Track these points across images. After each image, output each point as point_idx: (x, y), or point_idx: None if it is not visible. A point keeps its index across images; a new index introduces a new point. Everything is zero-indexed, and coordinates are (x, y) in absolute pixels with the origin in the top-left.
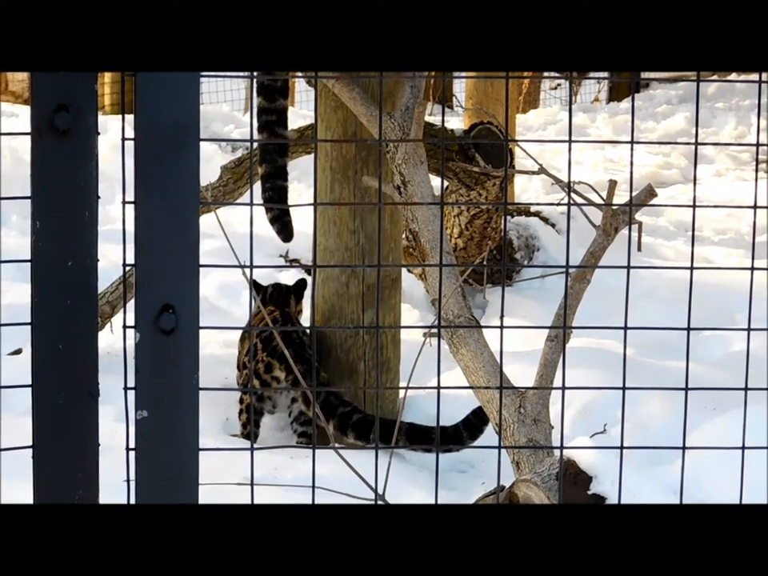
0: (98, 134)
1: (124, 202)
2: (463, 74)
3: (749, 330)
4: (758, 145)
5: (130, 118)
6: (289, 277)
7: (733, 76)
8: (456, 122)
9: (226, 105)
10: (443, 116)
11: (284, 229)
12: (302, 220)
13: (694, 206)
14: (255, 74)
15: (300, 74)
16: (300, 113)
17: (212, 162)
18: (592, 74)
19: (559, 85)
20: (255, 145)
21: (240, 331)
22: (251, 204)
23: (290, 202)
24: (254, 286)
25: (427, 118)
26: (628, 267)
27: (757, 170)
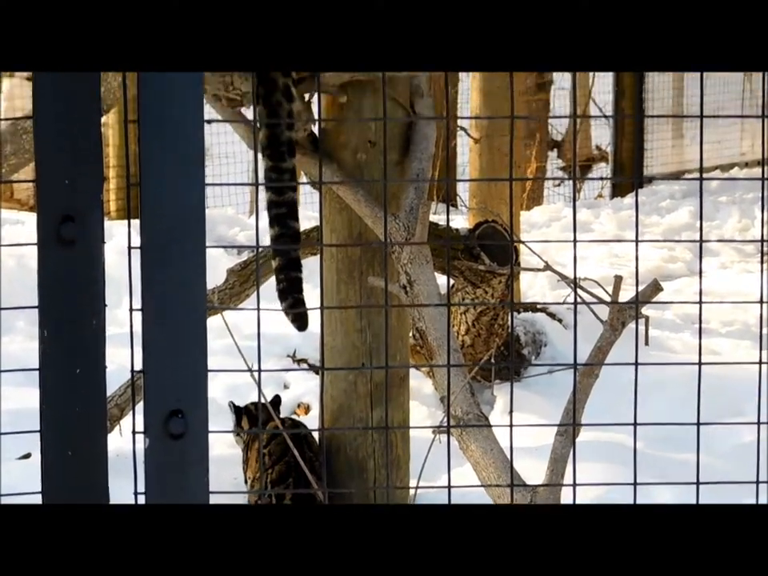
0: (104, 242)
1: (131, 310)
2: (467, 176)
3: (758, 423)
4: (762, 241)
5: (135, 222)
6: (296, 376)
7: (735, 171)
8: (460, 221)
9: (231, 208)
10: (448, 215)
11: (298, 319)
12: (309, 319)
13: (700, 303)
14: (260, 165)
15: (305, 178)
16: (305, 214)
17: (218, 266)
18: (594, 174)
19: (562, 181)
20: (261, 248)
21: (244, 441)
22: (257, 309)
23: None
24: (234, 409)
25: (432, 217)
26: (636, 364)
27: (762, 262)
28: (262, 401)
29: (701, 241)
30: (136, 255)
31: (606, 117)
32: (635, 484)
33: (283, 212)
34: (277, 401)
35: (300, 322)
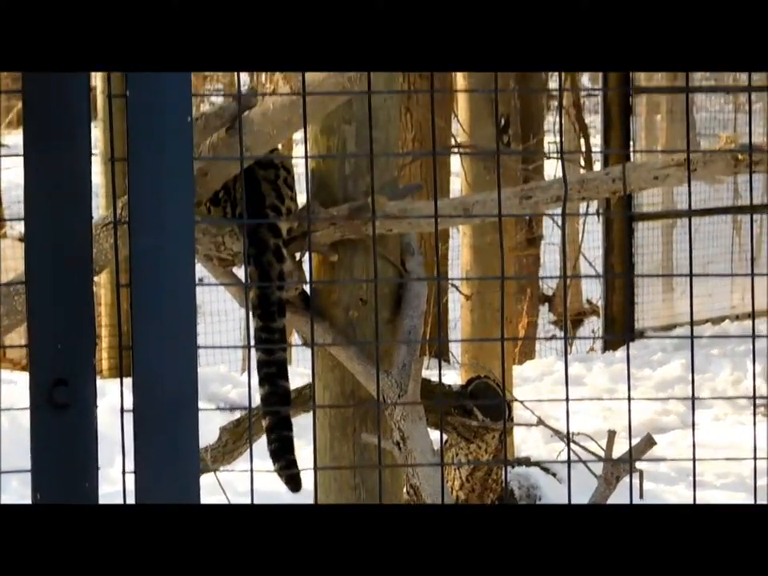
0: (97, 406)
1: (124, 472)
2: (458, 331)
3: None
4: (754, 398)
5: (128, 381)
6: None
7: (726, 324)
8: (453, 376)
9: (223, 365)
10: (440, 371)
11: (291, 480)
12: (303, 477)
13: (693, 459)
14: (251, 327)
15: (296, 334)
16: (297, 371)
17: (210, 424)
18: (585, 328)
19: (554, 336)
20: (254, 403)
21: None
22: (251, 470)
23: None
24: None
25: (424, 373)
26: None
27: (755, 415)
28: None
29: (693, 398)
30: (128, 413)
31: (597, 276)
32: None
33: (273, 371)
34: None
35: (293, 484)
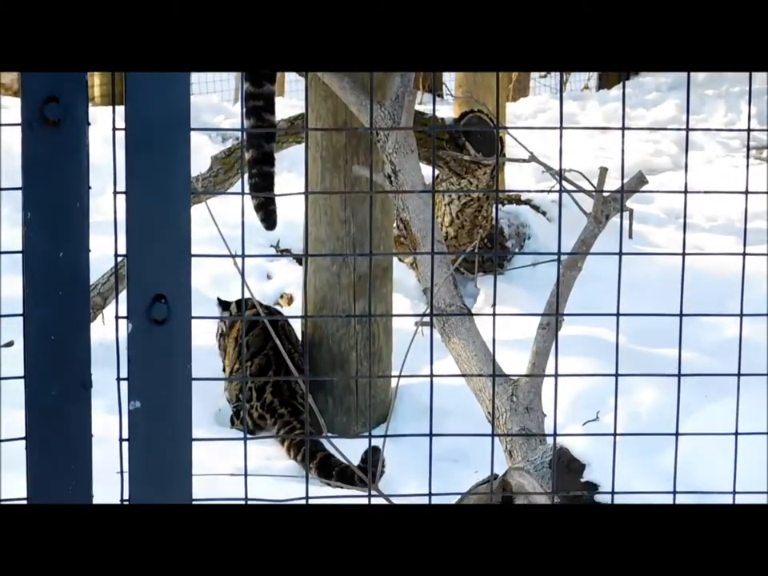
0: (89, 124)
1: (115, 193)
2: None
3: (741, 315)
4: (749, 130)
5: (120, 109)
6: (280, 267)
7: None
8: (446, 111)
9: (215, 95)
10: (434, 104)
11: (268, 217)
12: (293, 209)
13: (685, 192)
14: None
15: None
16: (290, 102)
17: (202, 152)
18: None
19: (549, 73)
20: (246, 130)
21: (221, 338)
22: (242, 193)
23: (279, 192)
24: (220, 303)
25: (417, 107)
26: (620, 254)
27: (748, 156)
28: (247, 293)
29: (687, 129)
30: (120, 141)
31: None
32: (616, 375)
33: (260, 105)
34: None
35: (269, 222)
